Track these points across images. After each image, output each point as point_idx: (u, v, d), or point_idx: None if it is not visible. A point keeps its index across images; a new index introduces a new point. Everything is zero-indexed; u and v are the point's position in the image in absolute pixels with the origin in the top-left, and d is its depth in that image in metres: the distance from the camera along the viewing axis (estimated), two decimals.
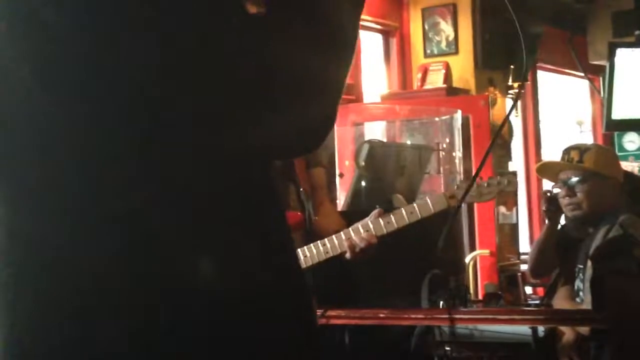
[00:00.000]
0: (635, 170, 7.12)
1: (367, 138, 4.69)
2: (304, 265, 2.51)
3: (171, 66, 0.98)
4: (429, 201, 2.51)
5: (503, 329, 3.28)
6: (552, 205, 3.35)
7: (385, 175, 4.05)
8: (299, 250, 2.52)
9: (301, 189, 2.61)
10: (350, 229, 2.53)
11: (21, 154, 1.00)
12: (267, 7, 1.02)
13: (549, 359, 3.11)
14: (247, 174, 1.06)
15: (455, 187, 2.58)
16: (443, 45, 6.32)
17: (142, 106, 0.98)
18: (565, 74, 8.04)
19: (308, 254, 2.52)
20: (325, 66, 1.06)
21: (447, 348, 3.41)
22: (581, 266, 3.09)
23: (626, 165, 6.73)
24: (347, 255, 2.52)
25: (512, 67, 6.45)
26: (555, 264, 3.41)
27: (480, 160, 5.67)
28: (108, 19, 0.98)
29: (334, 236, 2.53)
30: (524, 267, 6.15)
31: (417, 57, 6.38)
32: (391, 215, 2.50)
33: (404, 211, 2.50)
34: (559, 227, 3.43)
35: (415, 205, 2.51)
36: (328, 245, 2.52)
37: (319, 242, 2.52)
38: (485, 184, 2.57)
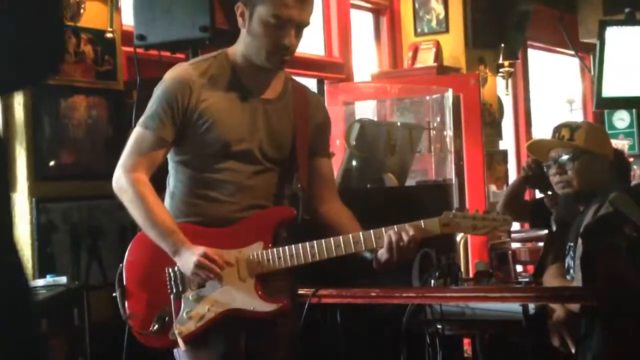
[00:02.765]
0: (626, 148, 7.15)
1: (357, 117, 4.68)
2: (288, 264, 2.48)
3: None
4: (422, 225, 2.50)
5: (494, 307, 3.30)
6: (531, 170, 3.42)
7: (376, 154, 4.05)
8: (285, 248, 2.50)
9: (299, 185, 2.58)
10: (350, 235, 2.50)
11: None
12: None
13: (539, 335, 3.13)
14: None
15: (451, 215, 2.53)
16: (433, 23, 6.30)
17: None
18: (555, 52, 8.04)
19: (294, 254, 2.50)
20: None
21: (439, 326, 3.43)
22: (572, 244, 3.10)
23: (616, 143, 6.74)
24: (384, 255, 2.47)
25: (502, 45, 6.44)
26: (524, 217, 3.63)
27: (471, 138, 5.68)
28: None
29: (323, 240, 2.49)
30: (514, 245, 6.16)
31: (408, 35, 6.37)
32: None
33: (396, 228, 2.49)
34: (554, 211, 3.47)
35: (406, 225, 2.48)
36: (316, 248, 2.48)
37: (307, 243, 2.49)
38: (481, 217, 2.54)
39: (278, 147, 2.56)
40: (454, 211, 2.53)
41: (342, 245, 2.48)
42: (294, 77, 2.71)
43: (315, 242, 2.49)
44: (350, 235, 2.49)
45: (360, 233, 2.50)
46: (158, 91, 2.52)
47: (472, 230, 2.55)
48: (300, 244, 2.49)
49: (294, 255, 2.48)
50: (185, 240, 2.46)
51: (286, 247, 2.49)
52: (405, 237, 2.45)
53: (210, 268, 2.42)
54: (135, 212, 2.50)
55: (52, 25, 1.15)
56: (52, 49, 1.15)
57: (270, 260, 2.48)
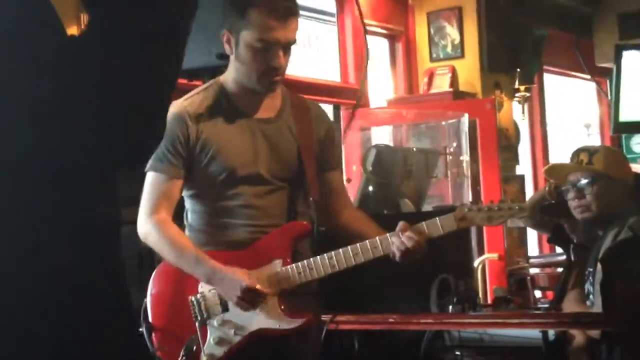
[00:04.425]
0: None
1: (374, 143, 4.69)
2: (309, 278, 2.49)
3: None
4: (438, 222, 2.50)
5: (513, 333, 3.27)
6: (552, 196, 3.37)
7: (393, 179, 4.04)
8: (305, 262, 2.49)
9: (310, 199, 2.58)
10: (367, 241, 2.50)
11: None
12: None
13: None
14: None
15: (466, 209, 2.53)
16: (449, 49, 6.31)
17: None
18: (571, 77, 8.02)
19: (314, 267, 2.49)
20: None
21: (457, 353, 3.40)
22: (591, 269, 3.08)
23: (634, 168, 6.70)
24: (397, 257, 2.48)
25: (518, 70, 6.44)
26: (546, 228, 3.57)
27: (487, 163, 5.67)
28: None
29: (340, 250, 2.49)
30: (533, 270, 6.12)
31: (423, 61, 6.37)
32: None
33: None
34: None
35: (424, 224, 2.50)
36: (335, 259, 2.49)
37: (325, 255, 2.49)
38: (496, 208, 2.53)
39: (284, 164, 2.57)
40: (468, 204, 2.53)
41: (361, 252, 2.49)
42: (292, 91, 2.70)
43: (333, 252, 2.49)
44: (367, 241, 2.49)
45: (377, 238, 2.50)
46: None
47: (488, 221, 2.54)
48: (319, 257, 2.49)
49: (314, 268, 2.49)
50: (217, 265, 2.47)
51: (305, 261, 2.50)
52: (420, 239, 2.46)
53: (255, 298, 2.43)
54: (163, 250, 2.53)
55: (160, 109, 1.18)
56: (156, 133, 1.18)
57: (291, 276, 2.49)
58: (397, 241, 2.47)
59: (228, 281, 2.44)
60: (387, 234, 2.50)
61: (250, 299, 2.42)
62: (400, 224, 2.49)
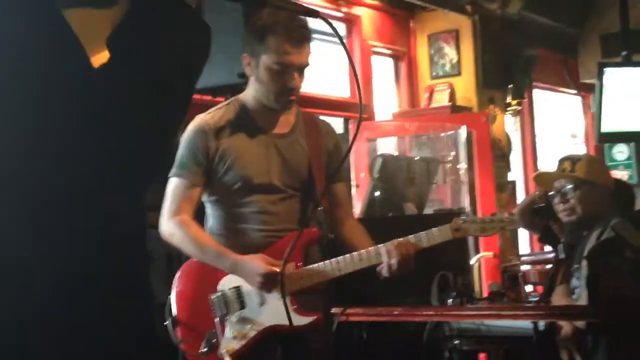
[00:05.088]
0: (625, 178, 7.08)
1: (380, 152, 4.71)
2: (318, 280, 2.50)
3: None
4: (434, 233, 2.53)
5: (507, 324, 3.27)
6: (542, 201, 3.37)
7: (397, 185, 4.06)
8: (315, 265, 2.51)
9: (320, 207, 2.60)
10: (365, 250, 2.53)
11: None
12: None
13: (549, 350, 3.10)
14: None
15: (461, 221, 2.55)
16: (447, 67, 6.32)
17: None
18: (559, 92, 8.01)
19: (322, 270, 2.51)
20: None
21: (456, 342, 3.40)
22: (577, 266, 3.08)
23: (616, 174, 6.68)
24: (384, 271, 2.50)
25: (510, 86, 6.45)
26: (536, 229, 3.52)
27: (483, 170, 5.67)
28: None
29: (347, 255, 2.52)
30: (524, 267, 6.12)
31: (424, 78, 6.39)
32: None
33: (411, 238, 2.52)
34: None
35: (422, 234, 2.53)
36: (340, 264, 2.51)
37: (333, 260, 2.51)
38: (489, 220, 2.57)
39: (295, 174, 2.59)
40: (463, 217, 2.54)
41: (366, 258, 2.51)
42: (305, 110, 2.74)
43: (340, 257, 2.51)
44: (371, 248, 2.52)
45: (380, 246, 2.53)
46: (182, 142, 2.58)
47: (481, 232, 2.57)
48: (327, 261, 2.52)
49: (322, 272, 2.50)
50: (236, 256, 2.49)
51: (315, 265, 2.51)
52: (412, 250, 2.49)
53: (274, 280, 2.45)
54: (187, 248, 2.54)
55: (164, 143, 1.17)
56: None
57: (303, 278, 2.50)
58: (392, 250, 2.48)
59: (248, 269, 2.46)
60: (390, 242, 2.52)
61: (269, 280, 2.44)
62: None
